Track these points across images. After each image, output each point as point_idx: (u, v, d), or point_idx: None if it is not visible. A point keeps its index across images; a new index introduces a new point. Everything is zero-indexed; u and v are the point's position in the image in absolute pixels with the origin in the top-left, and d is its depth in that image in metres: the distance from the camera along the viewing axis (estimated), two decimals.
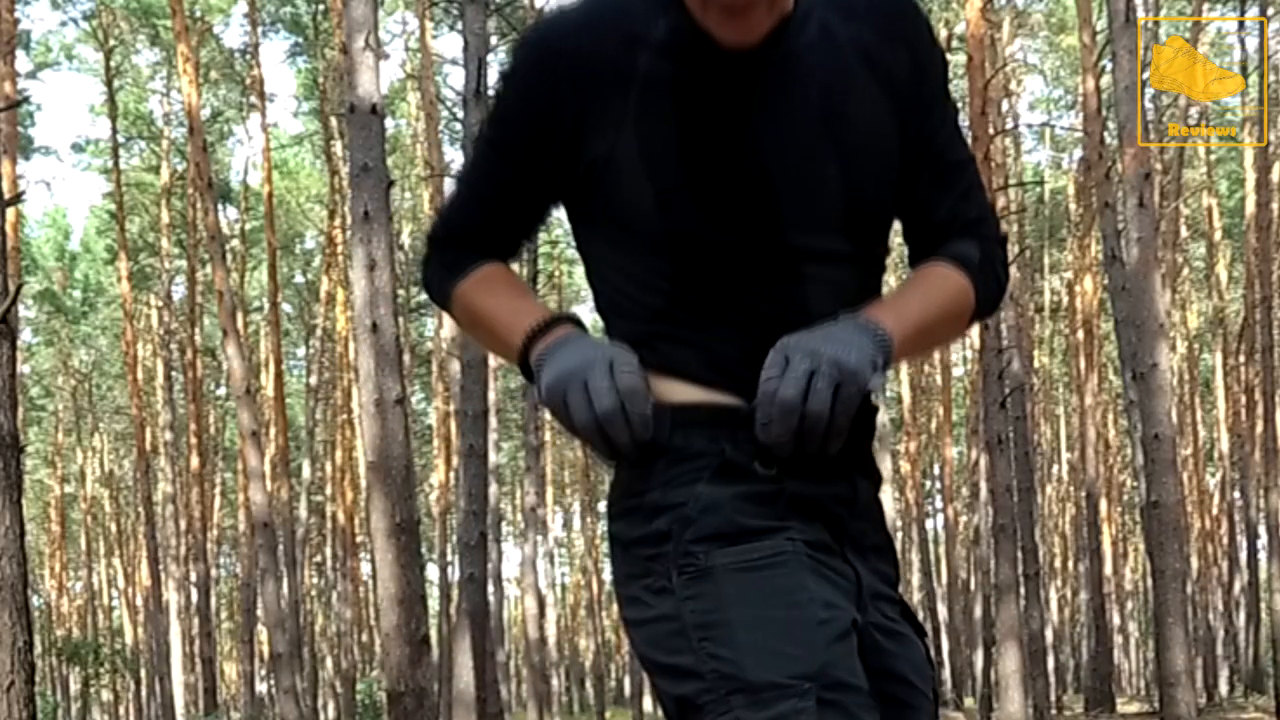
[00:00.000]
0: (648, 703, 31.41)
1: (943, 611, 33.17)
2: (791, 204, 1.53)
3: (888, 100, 1.59)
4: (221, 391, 35.16)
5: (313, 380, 31.77)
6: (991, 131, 17.63)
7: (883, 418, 24.30)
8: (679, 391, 1.53)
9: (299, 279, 34.76)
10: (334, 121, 26.59)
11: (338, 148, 26.94)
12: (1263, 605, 25.73)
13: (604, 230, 1.60)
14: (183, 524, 30.65)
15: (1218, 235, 28.96)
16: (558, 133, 1.56)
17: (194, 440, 28.96)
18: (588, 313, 8.34)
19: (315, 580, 40.39)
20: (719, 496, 1.49)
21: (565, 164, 1.58)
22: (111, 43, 27.98)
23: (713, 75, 1.52)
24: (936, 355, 32.83)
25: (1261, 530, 23.44)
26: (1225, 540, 30.92)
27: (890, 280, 1.71)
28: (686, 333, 1.54)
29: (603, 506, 8.24)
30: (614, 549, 1.59)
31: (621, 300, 1.60)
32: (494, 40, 15.51)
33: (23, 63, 27.12)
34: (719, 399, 1.52)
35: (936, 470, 36.18)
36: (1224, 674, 28.58)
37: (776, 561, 1.46)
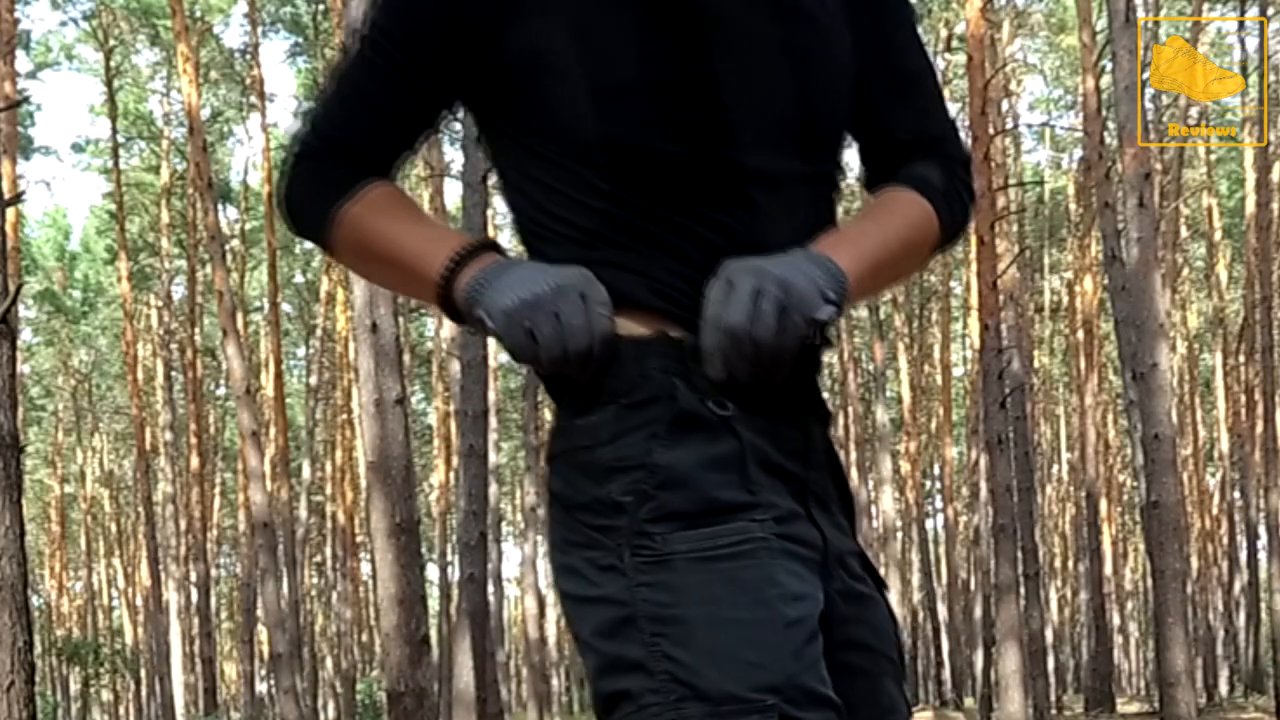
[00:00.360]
0: None
1: (943, 611, 33.17)
2: (742, 116, 1.37)
3: (842, 2, 1.45)
4: (221, 391, 35.15)
5: (313, 380, 31.78)
6: (991, 131, 17.63)
7: (883, 418, 24.29)
8: (625, 325, 1.35)
9: (299, 279, 34.75)
10: None
11: None
12: (1263, 605, 25.72)
13: (527, 139, 1.40)
14: (183, 524, 30.66)
15: (1218, 235, 28.96)
16: (471, 21, 1.37)
17: (194, 440, 28.95)
18: None
19: (315, 580, 40.40)
20: (679, 466, 1.32)
21: (479, 60, 1.39)
22: (111, 43, 27.98)
23: None
24: (936, 355, 32.84)
25: (1261, 530, 23.44)
26: (1225, 540, 30.92)
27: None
28: (626, 257, 1.36)
29: None
30: (553, 508, 1.41)
31: (548, 221, 1.40)
32: None
33: (23, 63, 27.13)
34: (667, 331, 1.36)
35: (936, 470, 36.18)
36: (1224, 674, 28.57)
37: (742, 551, 1.30)
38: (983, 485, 21.87)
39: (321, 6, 27.43)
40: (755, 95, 1.38)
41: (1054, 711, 22.25)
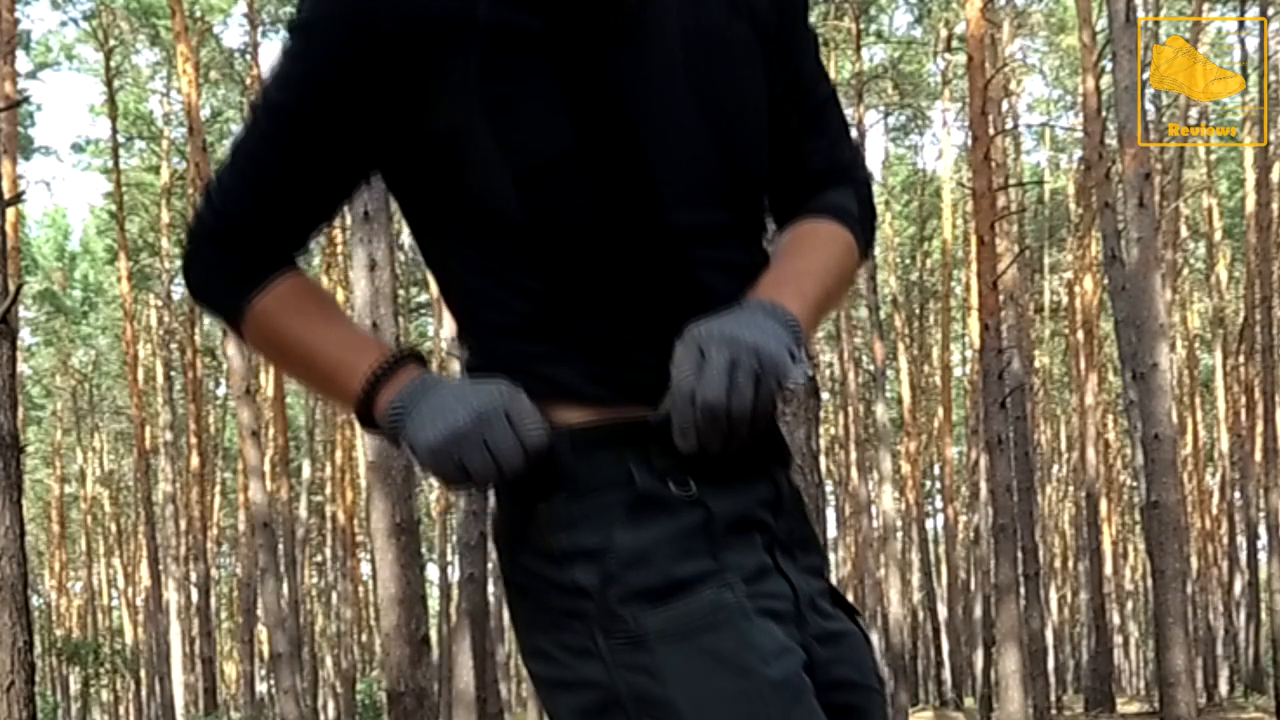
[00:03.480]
0: None
1: (943, 611, 33.19)
2: (668, 176, 1.32)
3: (753, 36, 1.39)
4: (221, 391, 35.16)
5: None
6: (991, 131, 17.64)
7: (883, 418, 24.29)
8: (569, 415, 1.30)
9: None
10: None
11: None
12: (1263, 605, 25.74)
13: (453, 220, 1.34)
14: (183, 524, 30.66)
15: (1218, 235, 28.98)
16: (382, 103, 1.29)
17: (194, 440, 28.94)
18: None
19: (315, 580, 40.41)
20: (642, 543, 1.28)
21: (391, 139, 1.32)
22: (111, 43, 27.97)
23: (565, 23, 1.29)
24: (936, 355, 32.85)
25: (1261, 530, 23.45)
26: (1225, 540, 30.93)
27: None
28: (568, 342, 1.31)
29: None
30: (512, 592, 1.37)
31: (483, 306, 1.35)
32: None
33: (23, 63, 27.12)
34: (618, 414, 1.31)
35: (936, 470, 36.18)
36: (1224, 674, 28.58)
37: (717, 621, 1.27)
38: (983, 485, 21.88)
39: None
40: (678, 154, 1.32)
41: (1054, 711, 22.25)
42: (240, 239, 1.37)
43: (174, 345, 31.02)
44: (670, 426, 1.28)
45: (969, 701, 29.04)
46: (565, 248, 1.30)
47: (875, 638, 26.26)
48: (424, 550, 15.08)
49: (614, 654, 1.27)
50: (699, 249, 1.34)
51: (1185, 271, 30.83)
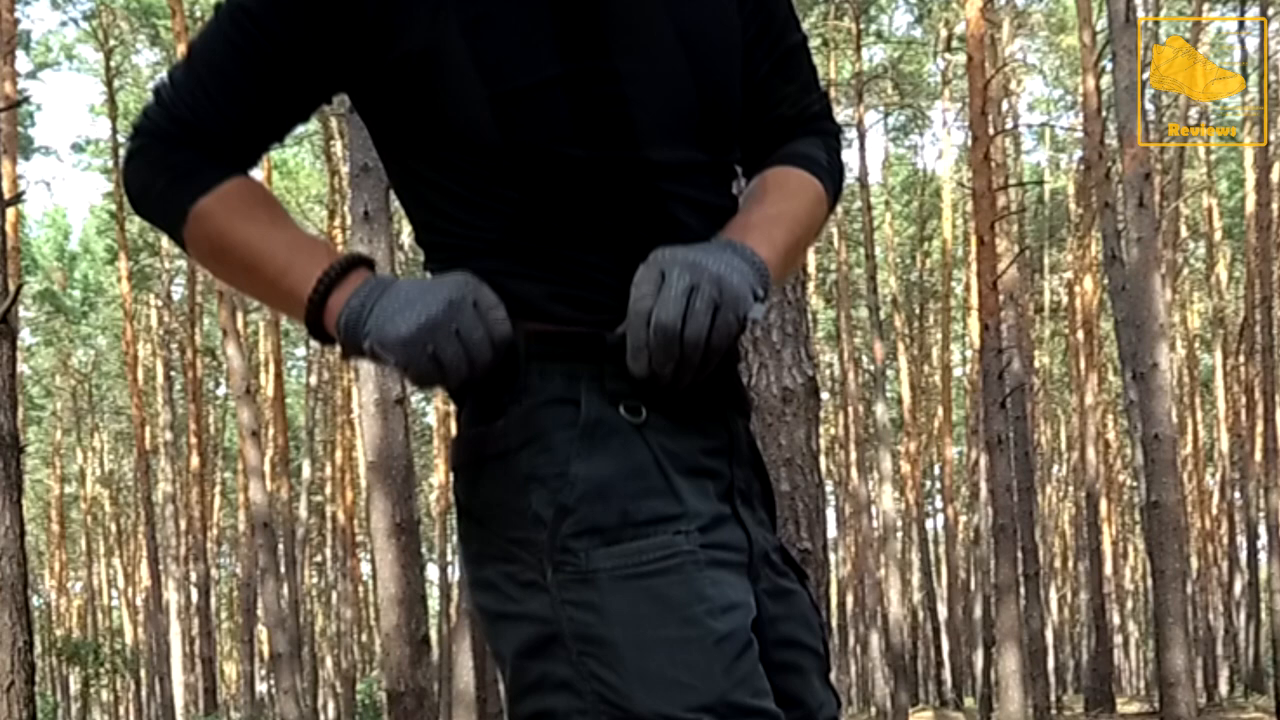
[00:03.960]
0: None
1: (943, 611, 33.18)
2: (645, 111, 1.30)
3: None
4: (221, 391, 35.16)
5: (313, 380, 31.77)
6: (991, 131, 17.63)
7: (883, 418, 24.28)
8: (529, 327, 1.30)
9: None
10: (334, 121, 26.57)
11: (338, 148, 26.92)
12: (1263, 605, 25.73)
13: (423, 142, 1.32)
14: (183, 524, 30.66)
15: (1218, 235, 28.97)
16: (356, 19, 1.27)
17: (194, 440, 28.94)
18: None
19: (315, 580, 40.40)
20: (601, 477, 1.26)
21: (365, 56, 1.29)
22: (111, 43, 27.98)
23: None
24: (936, 355, 32.85)
25: (1261, 530, 23.44)
26: (1225, 540, 30.93)
27: None
28: (535, 262, 1.30)
29: None
30: (465, 521, 1.34)
31: (449, 227, 1.33)
32: None
33: (23, 63, 27.13)
34: (577, 329, 1.30)
35: (936, 470, 36.17)
36: (1224, 674, 28.58)
37: (668, 567, 1.25)
38: (983, 485, 21.87)
39: None
40: (656, 89, 1.31)
41: (1054, 711, 22.24)
42: (189, 139, 1.32)
43: (174, 345, 31.02)
44: (625, 348, 1.26)
45: (969, 701, 29.03)
46: (539, 173, 1.29)
47: (875, 638, 26.27)
48: (424, 550, 15.08)
49: (561, 589, 1.25)
50: (672, 185, 1.33)
51: (1185, 271, 30.83)
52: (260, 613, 23.18)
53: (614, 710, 1.23)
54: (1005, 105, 25.44)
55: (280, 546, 23.46)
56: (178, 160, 1.33)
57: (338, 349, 1.30)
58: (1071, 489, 34.84)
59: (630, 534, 1.26)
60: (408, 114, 1.31)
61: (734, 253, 1.28)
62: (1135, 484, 20.47)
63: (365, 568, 33.27)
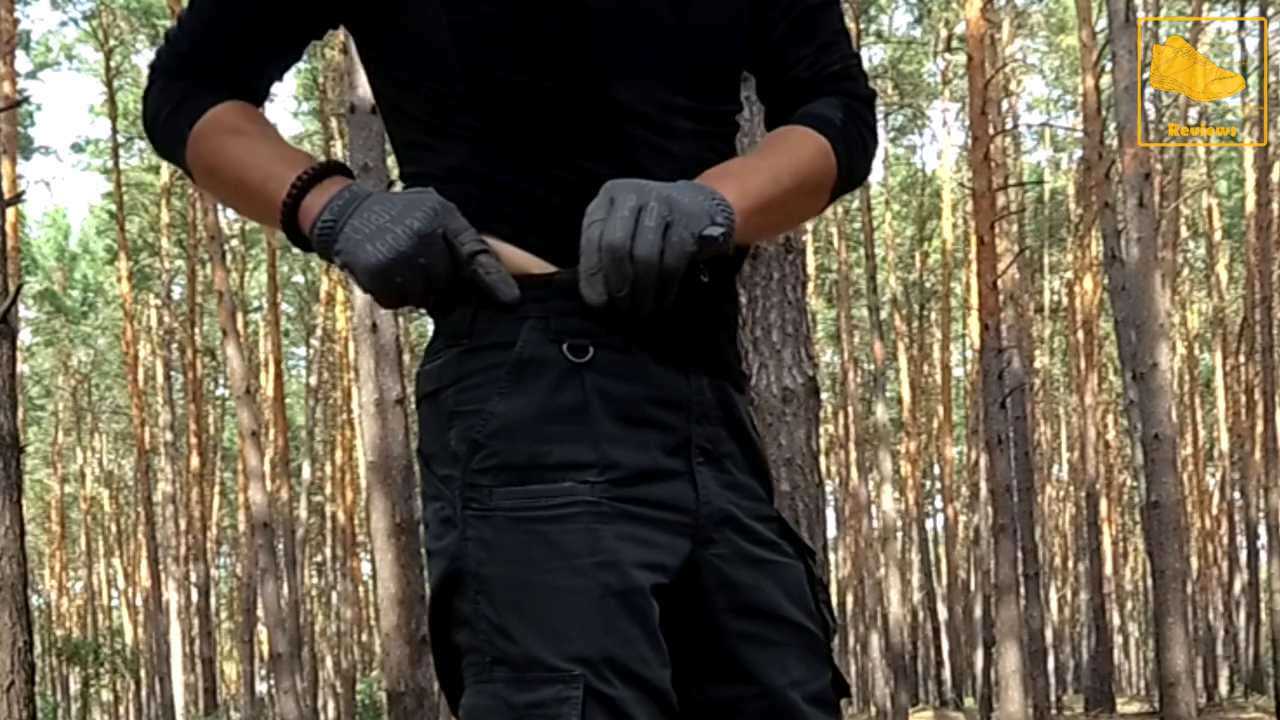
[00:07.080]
0: None
1: (943, 611, 33.18)
2: (614, 49, 1.30)
3: None
4: (221, 391, 35.16)
5: (313, 380, 31.77)
6: (991, 131, 17.63)
7: (883, 418, 24.28)
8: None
9: (299, 279, 34.75)
10: (334, 121, 26.60)
11: (338, 148, 26.93)
12: (1263, 605, 25.72)
13: (393, 66, 1.34)
14: (183, 524, 30.65)
15: (1218, 235, 28.97)
16: None
17: (194, 440, 28.94)
18: None
19: (315, 580, 40.41)
20: (514, 415, 1.26)
21: None
22: (111, 43, 27.98)
23: None
24: (936, 355, 32.84)
25: (1261, 530, 23.44)
26: (1225, 540, 30.94)
27: None
28: (494, 193, 1.30)
29: None
30: (420, 462, 1.36)
31: (415, 153, 1.35)
32: None
33: (23, 63, 27.17)
34: (530, 267, 1.29)
35: (936, 470, 36.17)
36: (1224, 674, 28.59)
37: (565, 515, 1.24)
38: (983, 485, 21.88)
39: None
40: (629, 28, 1.30)
41: (1054, 711, 22.25)
42: (189, 70, 1.39)
43: (174, 345, 31.00)
44: (580, 283, 1.26)
45: (969, 701, 29.03)
46: (498, 102, 1.29)
47: (875, 638, 26.28)
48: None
49: (465, 524, 1.26)
50: (638, 129, 1.31)
51: (1185, 271, 30.84)
52: (260, 613, 23.17)
53: (495, 650, 1.23)
54: (1005, 105, 25.44)
55: (280, 547, 23.45)
56: (177, 89, 1.39)
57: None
58: (1071, 489, 34.83)
59: (536, 476, 1.25)
60: (379, 40, 1.35)
61: (691, 186, 1.26)
62: (1135, 484, 20.48)
63: (365, 568, 33.28)
